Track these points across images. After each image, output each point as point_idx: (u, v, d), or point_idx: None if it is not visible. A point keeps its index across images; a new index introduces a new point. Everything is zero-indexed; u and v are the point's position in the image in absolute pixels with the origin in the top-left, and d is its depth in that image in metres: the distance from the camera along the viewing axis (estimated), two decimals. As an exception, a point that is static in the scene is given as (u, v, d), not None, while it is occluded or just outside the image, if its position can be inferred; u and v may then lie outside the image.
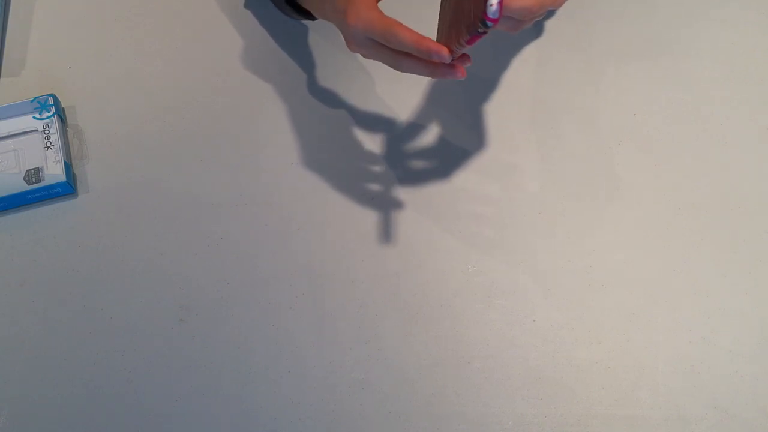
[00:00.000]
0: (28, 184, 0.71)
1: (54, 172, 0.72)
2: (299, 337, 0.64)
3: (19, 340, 0.65)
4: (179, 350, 0.64)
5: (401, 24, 0.50)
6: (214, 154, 0.74)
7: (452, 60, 0.51)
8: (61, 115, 0.76)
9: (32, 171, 0.72)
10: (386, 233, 0.69)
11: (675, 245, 0.67)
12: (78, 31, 0.83)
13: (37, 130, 0.74)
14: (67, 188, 0.71)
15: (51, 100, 0.75)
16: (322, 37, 0.81)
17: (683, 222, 0.68)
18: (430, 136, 0.73)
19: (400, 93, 0.77)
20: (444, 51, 0.50)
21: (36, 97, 0.75)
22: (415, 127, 0.74)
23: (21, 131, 0.74)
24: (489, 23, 0.45)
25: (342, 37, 0.58)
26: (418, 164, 0.72)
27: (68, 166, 0.73)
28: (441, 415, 0.61)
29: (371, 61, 0.77)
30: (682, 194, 0.70)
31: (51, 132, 0.73)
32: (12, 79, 0.80)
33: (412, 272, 0.67)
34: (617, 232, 0.68)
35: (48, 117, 0.74)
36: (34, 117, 0.75)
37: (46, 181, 0.71)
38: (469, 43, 0.48)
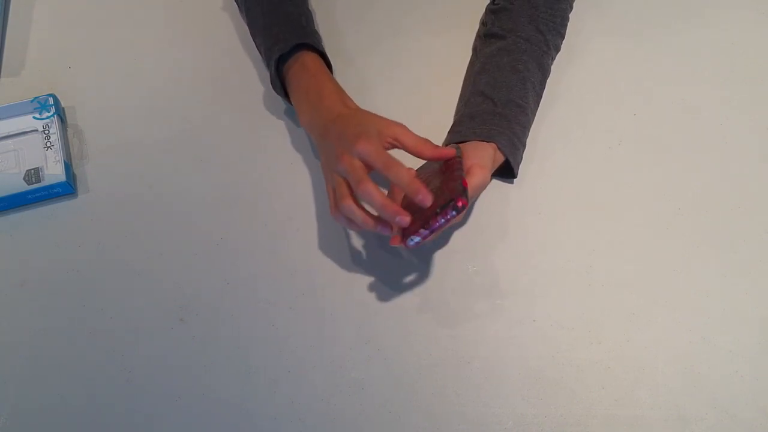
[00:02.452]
0: (28, 184, 0.71)
1: (54, 172, 0.71)
2: (299, 337, 0.64)
3: (19, 340, 0.65)
4: (179, 350, 0.64)
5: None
6: (214, 154, 0.74)
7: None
8: (61, 115, 0.76)
9: (32, 171, 0.72)
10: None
11: (675, 245, 0.67)
12: (78, 31, 0.83)
13: (37, 130, 0.74)
14: (67, 188, 0.71)
15: (51, 100, 0.75)
16: (326, 40, 0.81)
17: (683, 222, 0.68)
18: (428, 136, 0.73)
19: (400, 95, 0.77)
20: (406, 219, 0.56)
21: (36, 97, 0.75)
22: (413, 128, 0.74)
23: (21, 131, 0.74)
24: (459, 206, 0.53)
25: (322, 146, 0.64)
26: (417, 164, 0.72)
27: (68, 166, 0.73)
28: (441, 415, 0.60)
29: (371, 65, 0.78)
30: (682, 194, 0.70)
31: (51, 132, 0.73)
32: (12, 79, 0.80)
33: (412, 272, 0.67)
34: (617, 232, 0.68)
35: (48, 117, 0.74)
36: (34, 117, 0.75)
37: (46, 181, 0.71)
38: (435, 221, 0.54)
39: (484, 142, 0.65)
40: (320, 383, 0.62)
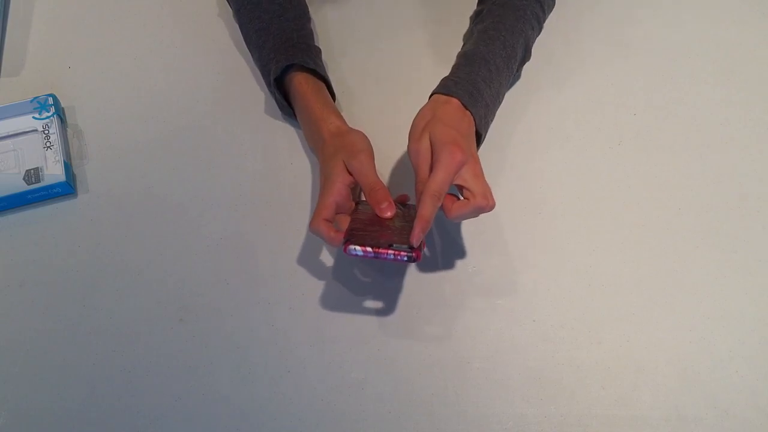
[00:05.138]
0: (28, 184, 0.71)
1: (54, 172, 0.71)
2: (299, 337, 0.64)
3: (19, 340, 0.65)
4: (179, 350, 0.64)
5: (325, 219, 0.59)
6: (214, 154, 0.74)
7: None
8: (60, 115, 0.76)
9: (32, 171, 0.72)
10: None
11: (675, 245, 0.67)
12: (78, 31, 0.83)
13: (36, 130, 0.74)
14: (67, 188, 0.71)
15: (51, 100, 0.75)
16: (322, 40, 0.81)
17: (683, 222, 0.68)
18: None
19: (399, 94, 0.77)
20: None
21: (36, 97, 0.75)
22: (406, 123, 0.74)
23: (21, 131, 0.74)
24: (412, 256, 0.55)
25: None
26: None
27: (68, 166, 0.73)
28: (441, 415, 0.61)
29: (369, 67, 0.78)
30: (682, 194, 0.70)
31: (51, 132, 0.73)
32: (12, 79, 0.80)
33: (411, 272, 0.67)
34: (617, 232, 0.68)
35: (48, 117, 0.74)
36: (33, 117, 0.75)
37: (46, 181, 0.71)
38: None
39: (450, 102, 0.63)
40: (320, 383, 0.62)
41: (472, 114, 0.63)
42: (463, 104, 0.63)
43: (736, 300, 0.65)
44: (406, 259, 0.55)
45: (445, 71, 0.76)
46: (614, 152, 0.72)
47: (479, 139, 0.66)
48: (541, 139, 0.73)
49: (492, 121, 0.69)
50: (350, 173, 0.61)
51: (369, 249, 0.55)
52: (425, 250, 0.56)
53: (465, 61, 0.67)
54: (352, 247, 0.55)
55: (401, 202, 0.65)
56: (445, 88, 0.65)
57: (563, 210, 0.69)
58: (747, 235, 0.68)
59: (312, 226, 0.59)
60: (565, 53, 0.77)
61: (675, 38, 0.79)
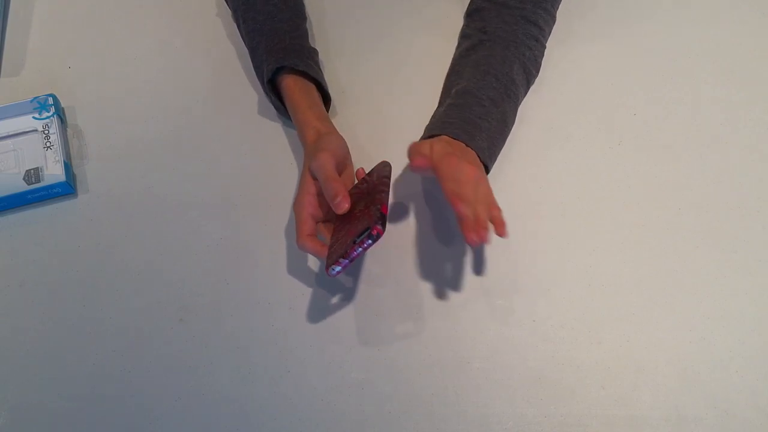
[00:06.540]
0: (28, 184, 0.71)
1: (54, 172, 0.71)
2: (299, 337, 0.64)
3: (19, 340, 0.65)
4: (179, 350, 0.64)
5: (308, 234, 0.61)
6: (214, 154, 0.74)
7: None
8: (60, 115, 0.76)
9: (32, 171, 0.72)
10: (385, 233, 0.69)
11: (675, 245, 0.67)
12: (78, 31, 0.83)
13: (36, 130, 0.74)
14: (67, 188, 0.71)
15: (51, 100, 0.75)
16: (321, 40, 0.81)
17: (683, 222, 0.68)
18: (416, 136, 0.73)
19: (400, 93, 0.77)
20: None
21: (36, 97, 0.75)
22: (412, 128, 0.74)
23: (21, 131, 0.74)
24: (375, 235, 0.54)
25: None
26: (416, 164, 0.72)
27: (68, 166, 0.73)
28: (441, 415, 0.61)
29: (366, 68, 0.79)
30: (682, 194, 0.70)
31: (51, 132, 0.73)
32: (12, 79, 0.80)
33: (411, 272, 0.67)
34: (617, 232, 0.68)
35: (48, 117, 0.74)
36: (33, 117, 0.75)
37: (46, 181, 0.71)
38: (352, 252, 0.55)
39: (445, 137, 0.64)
40: (320, 383, 0.62)
41: (472, 148, 0.64)
42: (460, 140, 0.63)
43: (736, 300, 0.65)
44: (370, 242, 0.54)
45: (442, 71, 0.76)
46: (614, 152, 0.72)
47: (486, 170, 0.66)
48: (541, 139, 0.73)
49: (501, 149, 0.69)
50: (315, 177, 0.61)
51: (342, 260, 0.55)
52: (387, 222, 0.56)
53: (456, 101, 0.68)
54: (331, 269, 0.56)
55: (360, 177, 0.65)
56: (439, 128, 0.65)
57: (563, 210, 0.69)
58: (747, 235, 0.68)
59: (298, 245, 0.60)
60: (564, 53, 0.77)
61: (675, 38, 0.79)
